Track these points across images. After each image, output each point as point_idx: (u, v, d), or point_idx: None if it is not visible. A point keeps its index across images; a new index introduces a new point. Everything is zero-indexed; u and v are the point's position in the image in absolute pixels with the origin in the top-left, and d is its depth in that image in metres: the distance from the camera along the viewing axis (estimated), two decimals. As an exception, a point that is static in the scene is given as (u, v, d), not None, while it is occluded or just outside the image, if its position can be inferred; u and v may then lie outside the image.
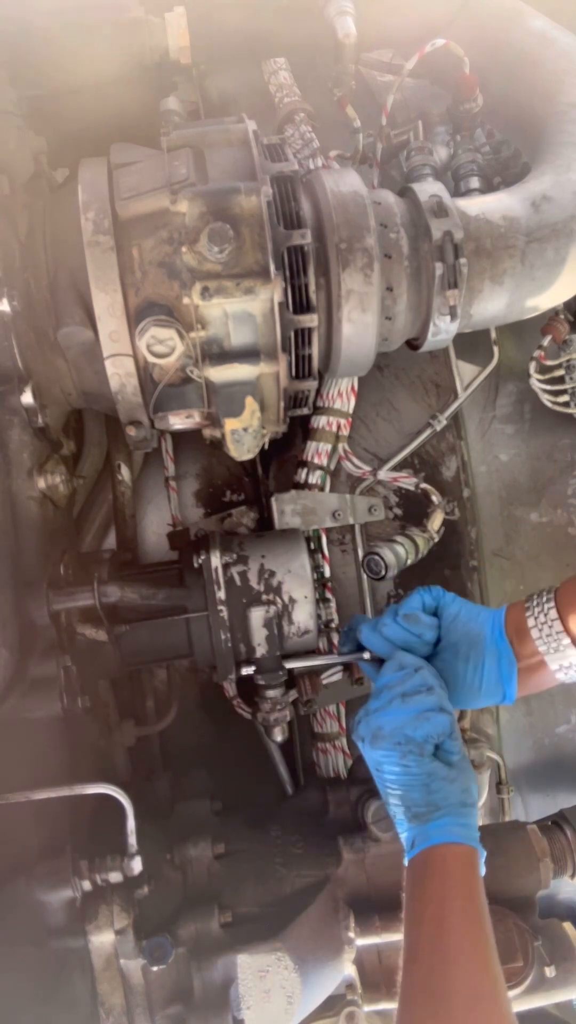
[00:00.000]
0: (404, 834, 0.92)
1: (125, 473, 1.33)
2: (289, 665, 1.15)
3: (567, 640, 0.99)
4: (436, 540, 1.30)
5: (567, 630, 0.99)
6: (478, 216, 1.08)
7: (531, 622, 1.01)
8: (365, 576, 1.32)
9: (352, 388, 1.30)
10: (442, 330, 1.11)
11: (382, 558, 1.21)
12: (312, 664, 1.18)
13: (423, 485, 1.33)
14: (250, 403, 1.05)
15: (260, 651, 1.12)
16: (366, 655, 1.09)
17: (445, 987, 0.81)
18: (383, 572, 1.21)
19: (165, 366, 0.99)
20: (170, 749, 1.41)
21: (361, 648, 1.10)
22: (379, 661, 1.08)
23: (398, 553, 1.22)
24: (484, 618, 1.06)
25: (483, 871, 0.91)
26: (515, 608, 1.05)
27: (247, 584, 1.12)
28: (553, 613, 1.00)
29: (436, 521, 1.29)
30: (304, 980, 1.03)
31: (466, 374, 1.38)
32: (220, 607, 1.10)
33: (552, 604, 1.00)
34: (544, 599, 1.02)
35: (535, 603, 1.02)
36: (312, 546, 1.32)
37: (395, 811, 0.94)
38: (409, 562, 1.25)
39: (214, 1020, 1.02)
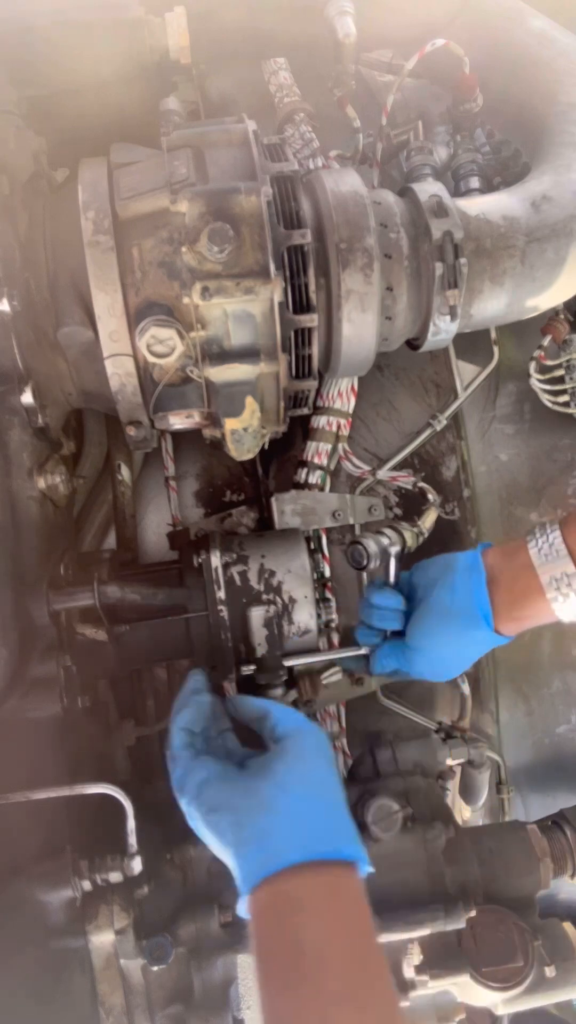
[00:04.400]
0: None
1: (125, 473, 1.33)
2: (289, 663, 1.15)
3: (564, 550, 0.90)
4: (425, 537, 1.29)
5: (568, 546, 0.90)
6: (478, 216, 1.08)
7: (530, 541, 0.94)
8: (364, 575, 1.32)
9: (352, 388, 1.30)
10: (442, 330, 1.11)
11: (365, 548, 1.20)
12: (311, 661, 1.19)
13: (421, 484, 1.33)
14: (250, 403, 1.05)
15: (260, 651, 1.12)
16: (364, 650, 1.14)
17: None
18: (365, 562, 1.20)
19: (165, 366, 0.99)
20: (170, 749, 1.41)
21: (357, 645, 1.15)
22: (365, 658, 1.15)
23: (382, 544, 1.22)
24: (463, 552, 1.05)
25: (365, 884, 0.66)
26: (509, 541, 0.99)
27: (247, 584, 1.12)
28: (557, 534, 0.92)
29: (429, 519, 1.29)
30: (304, 980, 1.03)
31: (466, 374, 1.38)
32: (220, 607, 1.10)
33: (556, 528, 0.93)
34: (548, 525, 0.94)
35: (538, 529, 0.95)
36: (312, 546, 1.31)
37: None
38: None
39: (214, 1020, 1.02)
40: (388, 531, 1.25)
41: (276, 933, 0.65)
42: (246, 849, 0.71)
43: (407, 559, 1.30)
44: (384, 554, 1.21)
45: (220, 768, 0.81)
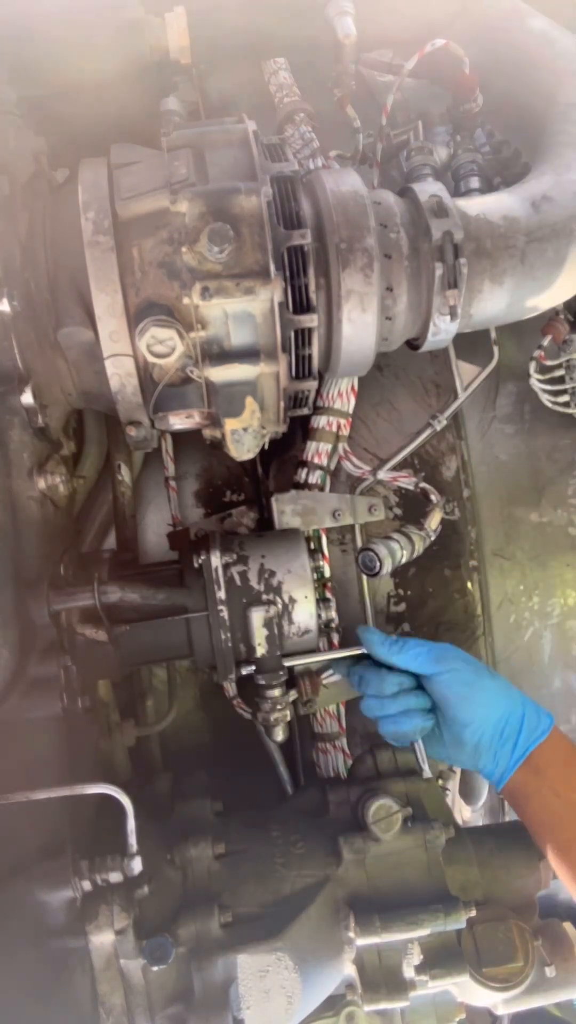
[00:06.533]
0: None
1: (125, 473, 1.33)
2: (288, 663, 1.15)
3: None
4: (432, 539, 1.30)
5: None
6: (478, 216, 1.08)
7: None
8: (363, 575, 1.32)
9: (352, 388, 1.30)
10: (442, 330, 1.11)
11: (376, 554, 1.21)
12: (310, 661, 1.19)
13: (422, 484, 1.33)
14: (250, 403, 1.05)
15: (260, 651, 1.12)
16: (362, 649, 1.19)
17: None
18: (377, 568, 1.21)
19: (165, 366, 0.99)
20: (170, 749, 1.41)
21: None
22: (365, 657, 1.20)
23: (393, 550, 1.22)
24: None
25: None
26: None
27: (247, 584, 1.12)
28: None
29: (434, 520, 1.29)
30: (304, 980, 1.03)
31: (466, 374, 1.38)
32: (220, 607, 1.10)
33: None
34: None
35: None
36: (312, 546, 1.31)
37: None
38: (404, 560, 1.25)
39: (214, 1020, 1.02)
40: (398, 536, 1.25)
41: (538, 804, 1.07)
42: (492, 757, 1.11)
43: (406, 567, 1.31)
44: (395, 560, 1.22)
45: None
